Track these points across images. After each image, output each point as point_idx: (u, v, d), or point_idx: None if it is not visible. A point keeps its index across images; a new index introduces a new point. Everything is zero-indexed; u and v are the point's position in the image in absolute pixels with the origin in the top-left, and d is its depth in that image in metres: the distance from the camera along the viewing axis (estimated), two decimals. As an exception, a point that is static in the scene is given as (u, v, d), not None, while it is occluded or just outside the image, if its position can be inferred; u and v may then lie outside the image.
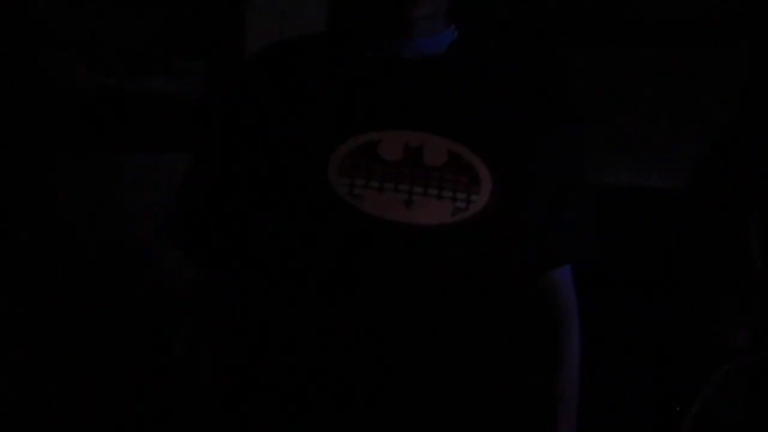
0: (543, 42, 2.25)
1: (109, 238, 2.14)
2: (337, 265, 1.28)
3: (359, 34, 1.38)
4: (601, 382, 1.70)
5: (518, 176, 1.32)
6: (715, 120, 2.14)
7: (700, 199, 2.02)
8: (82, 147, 2.16)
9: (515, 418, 1.37)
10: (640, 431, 2.08)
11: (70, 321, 2.11)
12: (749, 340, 1.92)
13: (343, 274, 1.28)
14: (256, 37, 2.13)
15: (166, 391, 1.44)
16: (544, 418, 1.43)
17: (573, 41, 2.40)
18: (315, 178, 1.28)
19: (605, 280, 1.89)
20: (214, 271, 1.39)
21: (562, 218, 1.40)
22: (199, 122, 2.07)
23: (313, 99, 1.33)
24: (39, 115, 2.13)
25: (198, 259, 1.40)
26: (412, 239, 1.27)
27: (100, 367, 2.11)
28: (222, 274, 1.39)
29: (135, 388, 2.09)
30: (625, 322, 2.15)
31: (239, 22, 2.17)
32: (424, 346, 1.29)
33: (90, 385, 2.11)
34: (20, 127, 2.10)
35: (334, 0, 2.15)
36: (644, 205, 2.29)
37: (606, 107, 2.34)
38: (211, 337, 1.39)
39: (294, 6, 2.16)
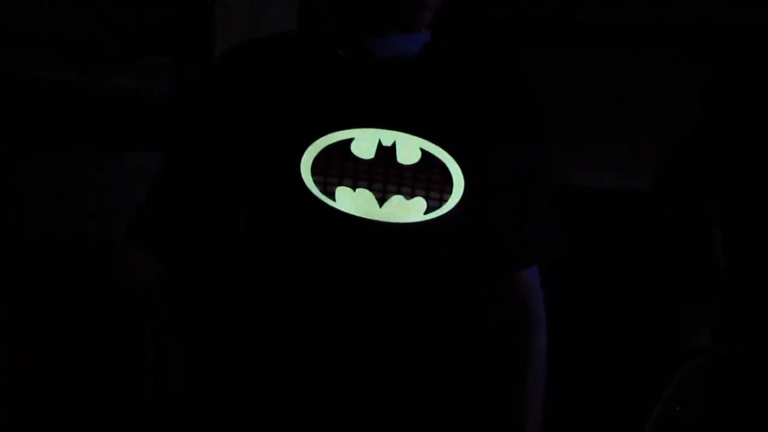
0: (513, 48, 2.27)
1: (73, 236, 2.12)
2: (310, 263, 1.29)
3: (333, 32, 1.38)
4: (567, 381, 1.72)
5: (490, 176, 1.33)
6: (678, 122, 2.16)
7: (665, 201, 2.05)
8: (45, 145, 2.13)
9: (483, 416, 1.38)
10: (605, 429, 2.11)
11: (38, 323, 2.09)
12: (711, 339, 1.96)
13: (317, 272, 1.29)
14: (226, 34, 2.12)
15: (141, 390, 1.44)
16: (511, 416, 1.44)
17: (533, 43, 2.42)
18: (288, 176, 1.28)
19: (572, 281, 1.91)
20: (184, 270, 1.39)
21: (530, 220, 1.41)
22: (167, 121, 2.05)
23: (286, 97, 1.33)
24: (1, 112, 2.11)
25: (168, 258, 1.40)
26: (386, 237, 1.28)
27: (77, 368, 2.09)
28: (192, 274, 1.39)
29: (112, 388, 2.08)
30: (591, 322, 2.18)
31: (208, 19, 2.16)
32: (396, 343, 1.30)
33: (65, 386, 2.09)
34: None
35: (305, -2, 2.15)
36: (610, 207, 2.31)
37: (571, 109, 2.36)
38: (179, 336, 1.39)
39: (264, 4, 2.15)
